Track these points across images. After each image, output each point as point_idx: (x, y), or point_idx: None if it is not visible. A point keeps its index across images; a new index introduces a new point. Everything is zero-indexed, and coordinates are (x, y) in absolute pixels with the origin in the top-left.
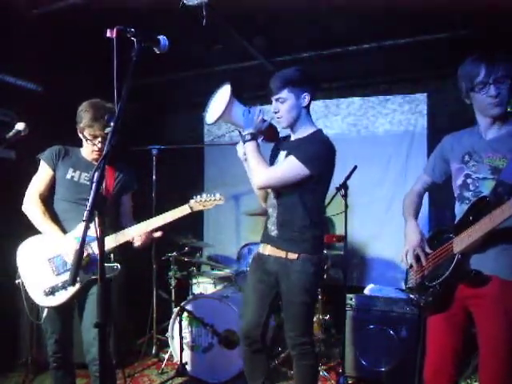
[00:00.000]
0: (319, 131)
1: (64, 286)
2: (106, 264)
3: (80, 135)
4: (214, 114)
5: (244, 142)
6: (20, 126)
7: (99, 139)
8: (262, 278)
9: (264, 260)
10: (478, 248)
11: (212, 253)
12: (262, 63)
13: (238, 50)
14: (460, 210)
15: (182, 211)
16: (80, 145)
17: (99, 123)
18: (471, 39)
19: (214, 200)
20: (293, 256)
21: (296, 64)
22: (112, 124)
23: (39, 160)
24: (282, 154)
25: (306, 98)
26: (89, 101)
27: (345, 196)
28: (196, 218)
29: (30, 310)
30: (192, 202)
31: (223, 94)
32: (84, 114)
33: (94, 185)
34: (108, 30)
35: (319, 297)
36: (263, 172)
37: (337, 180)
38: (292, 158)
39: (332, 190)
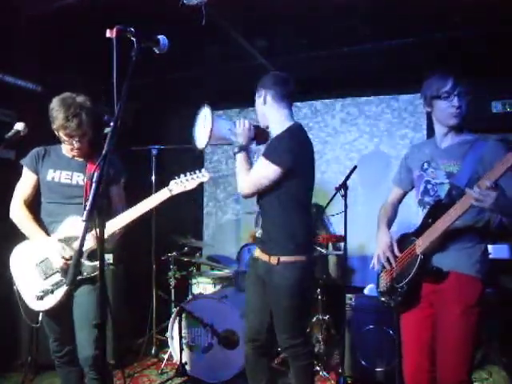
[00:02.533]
0: (292, 126)
1: (52, 290)
2: (88, 263)
3: (56, 133)
4: (202, 139)
5: (234, 155)
6: (19, 125)
7: (76, 138)
8: (258, 280)
9: (255, 262)
10: (439, 247)
11: (212, 253)
12: (262, 63)
13: (237, 50)
14: (422, 214)
15: (161, 195)
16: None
17: (73, 123)
18: (471, 39)
19: (197, 177)
20: (274, 261)
21: (296, 64)
22: (112, 124)
23: (22, 166)
24: (237, 161)
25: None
26: (59, 97)
27: (345, 196)
28: (196, 218)
29: (27, 313)
30: (172, 183)
31: (205, 117)
32: (56, 113)
33: (93, 185)
34: (108, 30)
35: (319, 297)
36: (242, 180)
37: (337, 180)
38: (261, 158)
39: (332, 190)
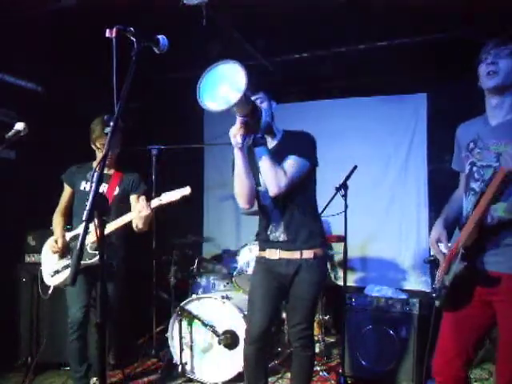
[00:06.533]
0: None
1: (60, 271)
2: (91, 251)
3: (93, 146)
4: (224, 100)
5: (257, 145)
6: (19, 125)
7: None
8: (272, 282)
9: (272, 264)
10: (487, 244)
11: (212, 252)
12: (262, 63)
13: (238, 50)
14: (466, 202)
15: (153, 204)
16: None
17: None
18: (471, 39)
19: (180, 191)
20: (308, 255)
21: (296, 64)
22: (112, 124)
23: (62, 181)
24: (265, 160)
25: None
26: (99, 117)
27: (344, 196)
28: (196, 218)
29: (43, 288)
30: (162, 194)
31: (236, 77)
32: (95, 127)
33: (93, 185)
34: (107, 30)
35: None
36: (282, 178)
37: (337, 180)
38: (292, 157)
39: (332, 190)
